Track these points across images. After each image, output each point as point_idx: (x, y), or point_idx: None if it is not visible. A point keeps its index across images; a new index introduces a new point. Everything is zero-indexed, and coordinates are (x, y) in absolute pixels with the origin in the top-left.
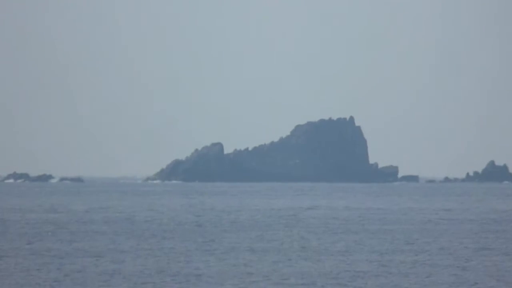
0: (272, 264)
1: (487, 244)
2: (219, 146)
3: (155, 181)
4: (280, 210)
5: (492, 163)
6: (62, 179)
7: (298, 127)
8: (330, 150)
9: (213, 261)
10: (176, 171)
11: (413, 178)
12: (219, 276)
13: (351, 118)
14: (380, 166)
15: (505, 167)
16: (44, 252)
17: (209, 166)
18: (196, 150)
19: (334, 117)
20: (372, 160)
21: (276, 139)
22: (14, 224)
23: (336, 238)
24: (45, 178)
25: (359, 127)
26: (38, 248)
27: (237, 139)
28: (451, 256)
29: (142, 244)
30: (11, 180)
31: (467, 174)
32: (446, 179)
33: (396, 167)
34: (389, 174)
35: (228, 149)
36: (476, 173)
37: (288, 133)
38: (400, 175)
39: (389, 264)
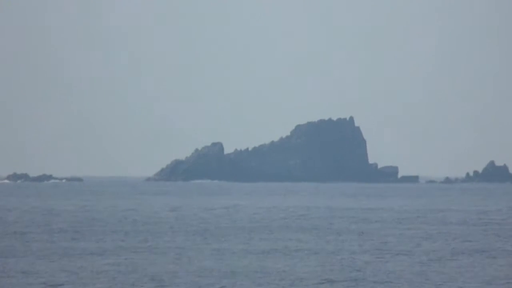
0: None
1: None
2: (219, 146)
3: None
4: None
5: (492, 163)
6: (61, 179)
7: (298, 127)
8: (330, 150)
9: (205, 261)
10: (176, 171)
11: (413, 178)
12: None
13: (351, 118)
14: (380, 166)
15: (505, 167)
16: (46, 252)
17: (209, 166)
18: (196, 150)
19: (334, 117)
20: (372, 160)
21: (276, 139)
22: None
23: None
24: (45, 178)
25: (359, 127)
26: (41, 248)
27: (237, 139)
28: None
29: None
30: (11, 181)
31: (467, 174)
32: (447, 179)
33: (396, 167)
34: (389, 174)
35: (228, 149)
36: (476, 173)
37: (288, 133)
38: (400, 175)
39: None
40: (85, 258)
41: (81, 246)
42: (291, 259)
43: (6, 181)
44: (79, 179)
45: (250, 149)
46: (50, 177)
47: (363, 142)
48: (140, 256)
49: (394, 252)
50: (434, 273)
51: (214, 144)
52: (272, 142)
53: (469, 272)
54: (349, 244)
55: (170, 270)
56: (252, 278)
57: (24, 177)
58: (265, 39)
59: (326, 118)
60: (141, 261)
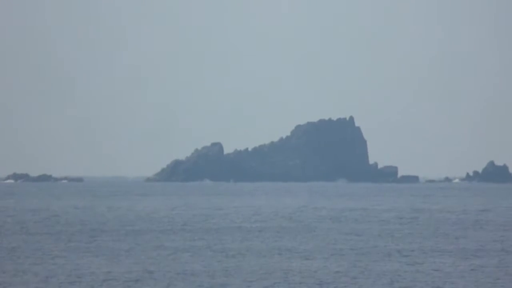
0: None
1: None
2: (219, 146)
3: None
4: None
5: (492, 163)
6: (62, 179)
7: (298, 127)
8: (330, 150)
9: (200, 261)
10: (176, 171)
11: (413, 178)
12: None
13: (351, 118)
14: (380, 166)
15: (505, 167)
16: (45, 252)
17: (209, 166)
18: (196, 150)
19: (334, 117)
20: (372, 160)
21: (276, 139)
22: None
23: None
24: (45, 178)
25: (359, 127)
26: (39, 249)
27: (237, 139)
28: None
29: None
30: (11, 181)
31: (467, 174)
32: (446, 179)
33: (396, 167)
34: (389, 174)
35: (228, 149)
36: (476, 173)
37: (288, 133)
38: (400, 175)
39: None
40: (82, 258)
41: (79, 246)
42: (288, 259)
43: (9, 181)
44: (79, 179)
45: (250, 149)
46: (50, 177)
47: (363, 142)
48: (138, 256)
49: (391, 252)
50: (431, 273)
51: (214, 144)
52: (272, 142)
53: (466, 272)
54: (346, 244)
55: (168, 269)
56: (249, 279)
57: (25, 177)
58: (265, 39)
59: (326, 118)
60: (139, 261)
